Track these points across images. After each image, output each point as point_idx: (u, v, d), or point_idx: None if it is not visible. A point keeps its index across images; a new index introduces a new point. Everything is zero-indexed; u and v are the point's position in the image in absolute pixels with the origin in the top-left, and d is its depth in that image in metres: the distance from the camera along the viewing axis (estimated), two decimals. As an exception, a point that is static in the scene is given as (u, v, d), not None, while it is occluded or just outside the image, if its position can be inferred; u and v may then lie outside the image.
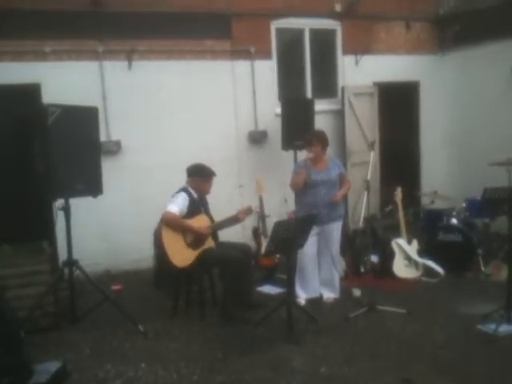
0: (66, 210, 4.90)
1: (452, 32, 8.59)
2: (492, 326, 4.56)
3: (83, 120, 4.93)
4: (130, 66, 6.95)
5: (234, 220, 5.38)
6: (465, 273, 6.23)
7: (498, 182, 4.73)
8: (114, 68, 6.87)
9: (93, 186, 4.98)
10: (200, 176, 5.32)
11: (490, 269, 6.21)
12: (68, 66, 6.65)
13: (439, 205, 7.15)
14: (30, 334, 4.29)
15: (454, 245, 6.31)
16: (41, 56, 6.53)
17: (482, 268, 6.24)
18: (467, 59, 8.33)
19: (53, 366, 3.94)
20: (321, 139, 5.47)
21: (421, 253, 6.42)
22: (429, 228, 6.86)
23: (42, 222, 5.16)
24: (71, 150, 4.74)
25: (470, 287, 5.86)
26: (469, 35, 8.21)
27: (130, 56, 6.91)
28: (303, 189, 5.44)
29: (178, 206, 5.03)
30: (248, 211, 5.46)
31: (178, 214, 4.99)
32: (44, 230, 5.28)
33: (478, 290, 5.75)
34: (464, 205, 6.73)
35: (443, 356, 4.23)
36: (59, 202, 4.91)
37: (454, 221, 6.52)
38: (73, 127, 4.75)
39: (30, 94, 6.36)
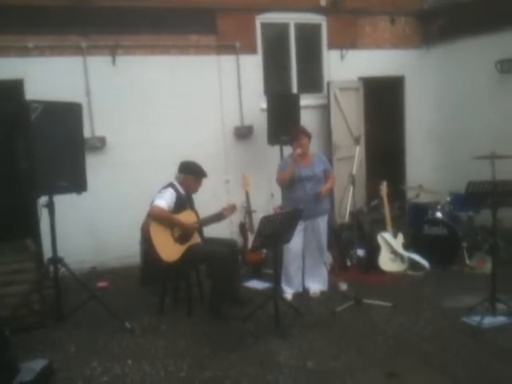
0: (50, 206, 4.85)
1: (436, 26, 8.63)
2: (477, 319, 4.60)
3: (67, 116, 4.88)
4: (114, 62, 6.89)
5: (218, 217, 5.38)
6: (450, 266, 6.29)
7: (482, 176, 4.76)
8: (98, 63, 6.81)
9: (77, 183, 4.93)
10: (193, 174, 5.29)
11: (475, 262, 6.27)
12: (51, 61, 6.58)
13: (424, 199, 7.21)
14: (15, 332, 4.24)
15: (439, 238, 6.37)
16: (24, 51, 6.46)
17: (467, 261, 6.30)
18: (452, 53, 8.38)
19: (38, 364, 3.91)
20: (306, 133, 5.55)
21: (406, 246, 6.46)
22: (414, 222, 6.92)
23: (26, 219, 5.11)
24: (55, 147, 4.70)
25: (455, 280, 5.91)
26: (453, 29, 8.25)
27: (113, 51, 6.85)
28: (289, 184, 5.46)
29: (165, 200, 5.00)
30: (232, 209, 5.47)
31: (166, 208, 4.97)
32: (28, 227, 5.24)
33: (463, 282, 5.80)
34: (448, 198, 6.79)
35: (429, 349, 4.27)
36: (43, 199, 4.87)
37: (439, 214, 6.58)
38: (56, 123, 4.71)
39: (12, 89, 6.31)
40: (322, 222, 5.62)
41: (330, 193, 5.92)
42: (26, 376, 3.73)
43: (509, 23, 7.22)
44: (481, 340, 4.36)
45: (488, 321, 4.57)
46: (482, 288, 5.10)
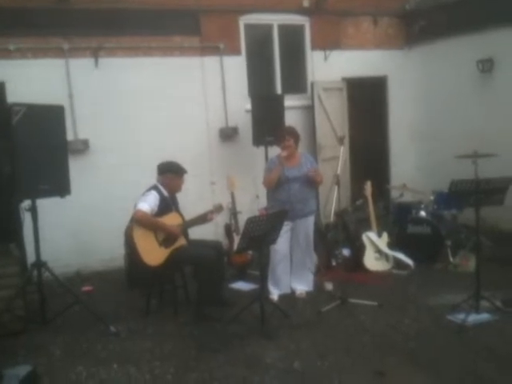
0: (33, 210, 4.81)
1: (418, 27, 8.68)
2: (461, 316, 4.64)
3: (49, 119, 4.85)
4: (96, 64, 6.84)
5: (204, 218, 5.35)
6: (434, 264, 6.34)
7: (465, 175, 4.80)
8: (81, 65, 6.76)
9: (60, 186, 4.89)
10: (172, 173, 5.25)
11: (459, 260, 6.32)
12: (33, 64, 6.51)
13: (408, 198, 7.26)
14: (-2, 338, 4.22)
15: (423, 237, 6.43)
16: (5, 54, 6.39)
17: (451, 259, 6.35)
18: (434, 53, 8.45)
19: (23, 370, 3.86)
20: (293, 133, 5.54)
21: (391, 245, 6.50)
22: (398, 221, 6.96)
23: (9, 223, 5.05)
24: (37, 150, 4.65)
25: (440, 278, 5.96)
26: (435, 30, 8.33)
27: (96, 53, 6.80)
28: (276, 185, 5.46)
29: (148, 204, 4.96)
30: (219, 209, 5.46)
31: (149, 212, 4.93)
32: (11, 231, 5.17)
33: (447, 280, 5.86)
34: (432, 197, 6.83)
35: (415, 347, 4.29)
36: (26, 203, 4.82)
37: (423, 213, 6.64)
38: (38, 126, 4.67)
39: (-7, 92, 6.23)
40: (310, 223, 5.63)
41: (315, 193, 5.91)
42: (10, 382, 3.69)
43: (489, 23, 7.30)
44: (465, 337, 4.39)
45: (472, 318, 4.61)
46: (466, 285, 5.16)
